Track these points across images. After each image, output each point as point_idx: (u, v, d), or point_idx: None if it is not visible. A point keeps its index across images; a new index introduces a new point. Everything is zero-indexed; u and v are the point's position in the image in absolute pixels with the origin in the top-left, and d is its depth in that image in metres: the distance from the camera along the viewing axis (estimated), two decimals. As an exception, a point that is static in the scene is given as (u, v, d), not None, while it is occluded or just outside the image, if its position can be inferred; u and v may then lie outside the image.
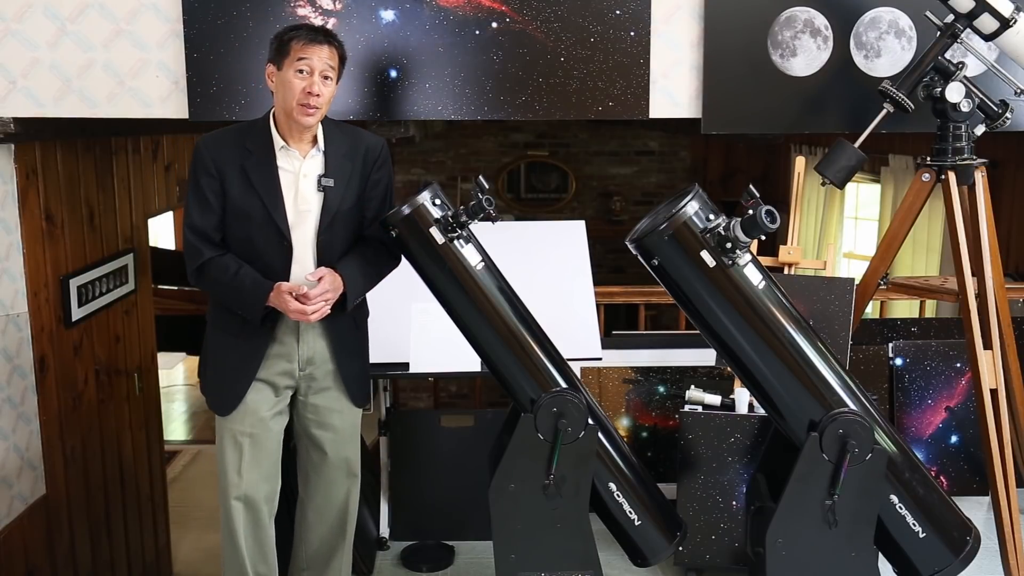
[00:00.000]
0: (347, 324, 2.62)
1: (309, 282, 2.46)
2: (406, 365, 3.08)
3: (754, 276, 2.19)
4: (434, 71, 3.07)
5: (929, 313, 4.20)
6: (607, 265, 8.53)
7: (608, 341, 3.53)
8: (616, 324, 5.20)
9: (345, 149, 2.55)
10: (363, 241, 2.61)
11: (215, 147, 2.51)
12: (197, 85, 3.03)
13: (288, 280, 2.50)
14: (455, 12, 3.03)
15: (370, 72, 3.06)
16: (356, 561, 3.15)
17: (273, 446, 2.63)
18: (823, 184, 2.84)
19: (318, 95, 2.43)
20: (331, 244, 2.53)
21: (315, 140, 2.54)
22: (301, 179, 2.51)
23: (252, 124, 2.57)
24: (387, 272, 2.64)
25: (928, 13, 2.80)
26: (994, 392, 2.85)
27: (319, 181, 2.51)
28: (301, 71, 2.43)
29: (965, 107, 2.79)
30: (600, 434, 2.44)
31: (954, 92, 2.76)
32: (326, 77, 2.46)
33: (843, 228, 7.08)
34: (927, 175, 2.91)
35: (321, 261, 2.53)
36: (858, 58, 3.12)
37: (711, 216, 2.15)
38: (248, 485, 2.59)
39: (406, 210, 2.35)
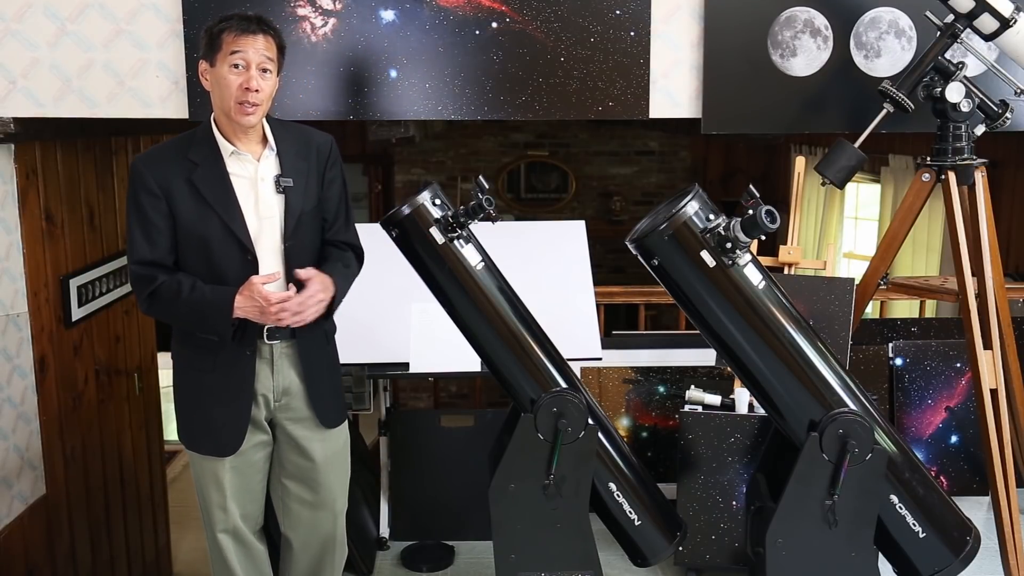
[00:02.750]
0: (320, 344, 2.48)
1: (281, 283, 2.30)
2: (406, 365, 3.08)
3: (754, 276, 2.19)
4: (434, 71, 3.07)
5: (929, 313, 4.20)
6: (607, 265, 8.54)
7: (608, 341, 3.53)
8: (616, 324, 5.21)
9: (297, 148, 2.40)
10: (333, 246, 2.49)
11: (154, 164, 2.31)
12: (197, 85, 3.01)
13: None
14: (455, 12, 3.03)
15: (370, 72, 3.06)
16: (356, 561, 3.16)
17: (255, 473, 2.50)
18: (823, 184, 2.84)
19: (257, 90, 2.25)
20: (298, 250, 2.37)
21: (265, 140, 2.37)
22: (259, 183, 2.34)
23: (192, 134, 2.37)
24: (354, 279, 2.51)
25: (928, 13, 2.80)
26: (994, 392, 2.85)
27: (277, 182, 2.34)
28: (236, 65, 2.24)
29: (965, 107, 2.79)
30: (600, 434, 2.44)
31: (954, 92, 2.76)
32: (264, 70, 2.27)
33: (843, 228, 7.09)
34: (927, 175, 2.91)
35: (289, 269, 2.35)
36: (858, 58, 3.12)
37: (711, 216, 2.15)
38: (234, 517, 2.48)
39: (406, 210, 2.34)
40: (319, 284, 2.32)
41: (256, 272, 2.32)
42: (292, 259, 2.37)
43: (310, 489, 2.53)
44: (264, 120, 2.39)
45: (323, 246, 2.48)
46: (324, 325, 2.49)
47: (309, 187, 2.40)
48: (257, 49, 2.26)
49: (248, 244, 2.32)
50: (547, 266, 3.34)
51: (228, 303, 2.26)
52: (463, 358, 2.87)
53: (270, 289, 2.29)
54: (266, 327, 2.37)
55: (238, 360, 2.37)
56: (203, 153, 2.32)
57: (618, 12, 3.06)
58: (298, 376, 2.45)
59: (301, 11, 3.01)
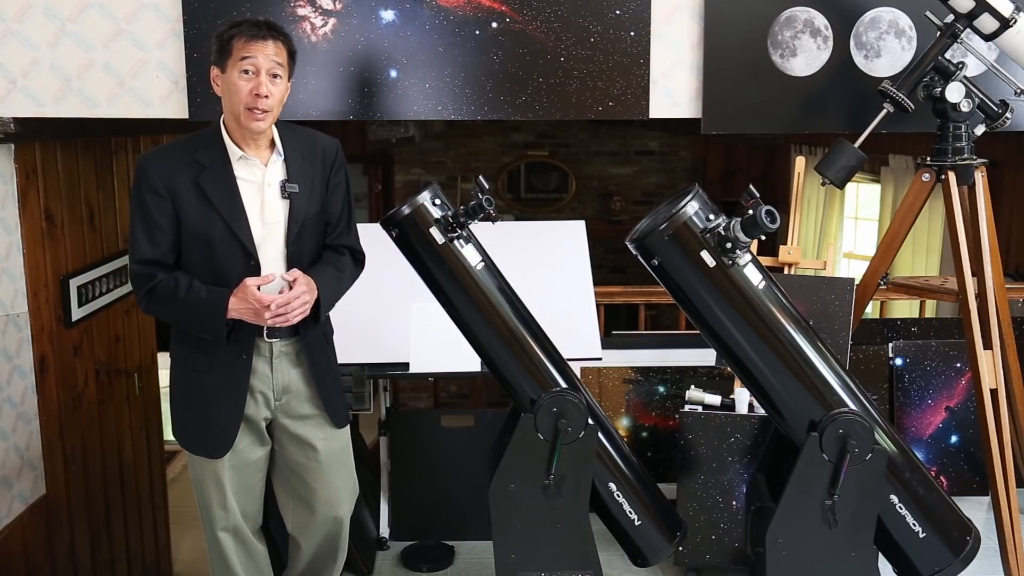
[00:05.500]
0: (319, 343, 2.48)
1: (278, 284, 2.31)
2: (406, 365, 3.08)
3: (754, 276, 2.19)
4: (434, 71, 3.07)
5: (929, 313, 4.20)
6: (607, 265, 8.54)
7: (608, 341, 3.53)
8: (616, 324, 5.20)
9: (303, 152, 2.40)
10: (330, 249, 2.49)
11: (161, 164, 2.31)
12: (197, 85, 3.03)
13: None
14: (455, 12, 3.03)
15: (370, 72, 3.06)
16: (356, 561, 3.16)
17: (255, 472, 2.51)
18: (823, 184, 2.84)
19: (267, 96, 2.26)
20: (299, 255, 2.38)
21: (273, 145, 2.38)
22: (266, 189, 2.35)
23: (199, 135, 2.38)
24: (352, 281, 2.51)
25: (928, 13, 2.80)
26: (994, 392, 2.85)
27: (283, 188, 2.35)
28: (246, 71, 2.25)
29: (965, 107, 2.79)
30: (600, 434, 2.44)
31: (954, 92, 2.76)
32: (275, 75, 2.28)
33: (843, 228, 7.09)
34: (927, 175, 2.91)
35: None
36: (858, 58, 3.12)
37: (711, 216, 2.15)
38: (234, 516, 2.48)
39: (406, 210, 2.35)
40: (304, 285, 2.33)
41: (258, 276, 2.33)
42: (293, 264, 2.38)
43: (314, 490, 2.53)
44: (273, 126, 2.39)
45: (323, 250, 2.49)
46: (324, 327, 2.51)
47: (314, 193, 2.41)
48: (267, 55, 2.27)
49: (251, 249, 2.33)
50: (547, 266, 3.34)
51: (222, 304, 2.28)
52: (463, 358, 2.87)
53: (268, 290, 2.31)
54: (266, 325, 2.37)
55: (234, 363, 2.38)
56: (211, 156, 2.33)
57: (618, 12, 3.06)
58: (300, 375, 2.46)
59: (301, 11, 3.01)
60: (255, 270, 2.34)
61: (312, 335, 2.45)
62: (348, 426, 2.60)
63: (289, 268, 2.38)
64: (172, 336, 2.46)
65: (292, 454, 2.51)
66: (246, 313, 2.28)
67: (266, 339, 2.40)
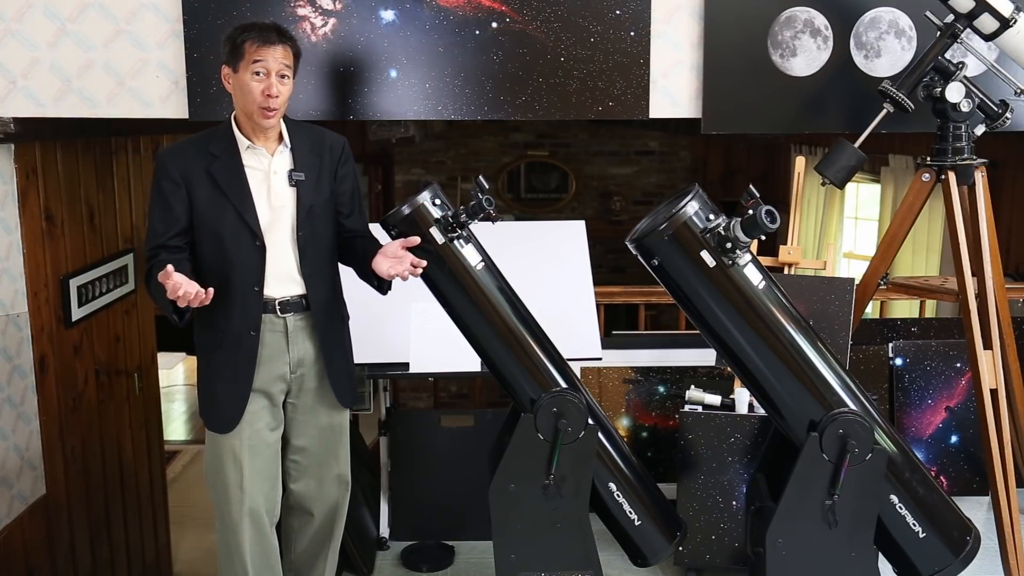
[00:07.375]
0: (332, 318, 2.58)
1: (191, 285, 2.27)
2: (406, 365, 3.08)
3: (754, 276, 2.19)
4: (434, 71, 3.07)
5: (929, 313, 4.20)
6: (607, 265, 8.53)
7: (608, 341, 3.53)
8: (616, 324, 5.20)
9: (309, 146, 2.54)
10: (362, 236, 2.59)
11: (178, 156, 2.48)
12: (197, 85, 3.03)
13: (263, 283, 2.45)
14: (455, 12, 3.03)
15: (370, 72, 3.06)
16: (356, 561, 3.16)
17: (272, 455, 2.57)
18: (823, 184, 2.84)
19: (276, 95, 2.41)
20: (311, 240, 2.49)
21: (280, 137, 2.52)
22: (272, 176, 2.48)
23: (214, 130, 2.53)
24: None
25: (928, 13, 2.80)
26: (994, 392, 2.85)
27: (290, 176, 2.48)
28: (257, 73, 2.40)
29: (965, 107, 2.79)
30: (600, 434, 2.44)
31: (954, 92, 2.76)
32: (283, 76, 2.43)
33: (843, 228, 7.08)
34: (927, 175, 2.91)
35: (303, 258, 2.48)
36: (858, 58, 3.12)
37: (711, 216, 2.15)
38: (252, 499, 2.52)
39: (406, 210, 2.35)
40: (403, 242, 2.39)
41: (264, 257, 2.45)
42: (304, 248, 2.49)
43: (318, 458, 2.63)
44: (281, 120, 2.51)
45: (348, 238, 2.59)
46: (341, 310, 2.62)
47: (321, 182, 2.53)
48: (276, 58, 2.41)
49: (257, 231, 2.45)
50: (547, 266, 3.34)
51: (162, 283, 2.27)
52: (463, 358, 2.87)
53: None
54: (277, 301, 2.49)
55: (242, 340, 2.48)
56: (222, 147, 2.48)
57: (618, 12, 3.06)
58: (314, 348, 2.56)
59: (301, 11, 3.01)
60: (260, 251, 2.45)
61: (325, 309, 2.55)
62: (347, 411, 2.69)
63: (301, 251, 2.49)
64: (194, 319, 2.55)
65: (296, 426, 2.60)
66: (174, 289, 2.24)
67: (279, 315, 2.50)
